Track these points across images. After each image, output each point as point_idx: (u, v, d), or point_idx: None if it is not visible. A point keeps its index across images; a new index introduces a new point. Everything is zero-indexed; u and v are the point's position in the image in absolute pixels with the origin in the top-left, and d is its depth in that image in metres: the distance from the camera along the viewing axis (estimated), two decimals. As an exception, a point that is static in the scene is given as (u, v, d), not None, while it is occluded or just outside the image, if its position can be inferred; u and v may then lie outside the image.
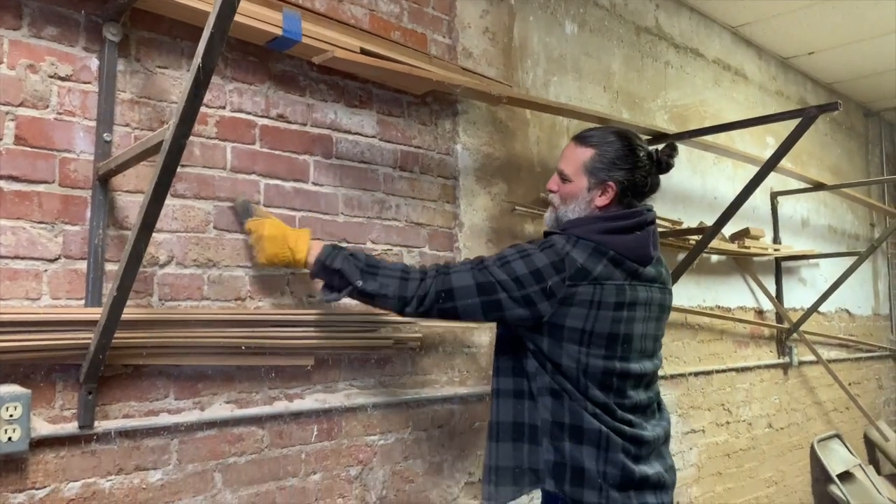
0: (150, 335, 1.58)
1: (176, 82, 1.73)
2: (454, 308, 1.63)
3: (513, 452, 1.65)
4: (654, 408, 1.73)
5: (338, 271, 1.65)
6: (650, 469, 1.62)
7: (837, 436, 4.46)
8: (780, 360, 4.03)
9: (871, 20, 3.79)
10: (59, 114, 1.54)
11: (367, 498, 2.01)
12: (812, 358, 4.15)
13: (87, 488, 1.52)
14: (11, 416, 1.38)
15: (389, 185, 2.16)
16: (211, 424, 1.72)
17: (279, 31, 1.78)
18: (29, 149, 1.50)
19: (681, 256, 3.04)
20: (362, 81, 2.10)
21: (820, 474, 4.22)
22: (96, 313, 1.46)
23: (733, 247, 3.58)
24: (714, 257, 3.58)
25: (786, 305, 4.07)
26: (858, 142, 5.25)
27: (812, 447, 4.24)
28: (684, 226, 3.26)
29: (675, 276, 2.88)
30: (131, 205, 1.63)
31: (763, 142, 4.05)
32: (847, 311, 4.83)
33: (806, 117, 2.41)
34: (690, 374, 3.32)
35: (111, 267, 1.58)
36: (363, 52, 1.98)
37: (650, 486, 1.61)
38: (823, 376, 4.34)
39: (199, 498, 1.69)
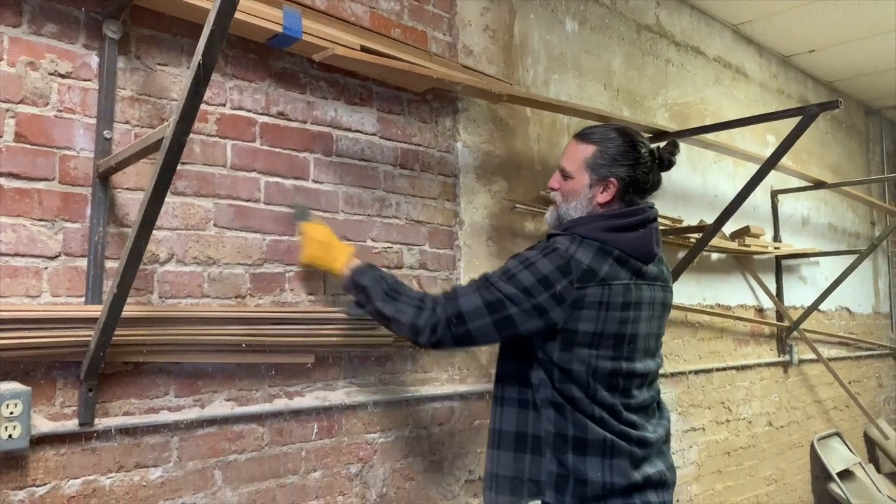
0: (150, 333, 1.58)
1: (176, 80, 1.73)
2: (468, 332, 1.60)
3: (513, 462, 1.62)
4: (654, 407, 1.72)
5: (364, 288, 1.72)
6: (652, 468, 1.62)
7: (837, 434, 4.46)
8: (781, 359, 4.03)
9: (872, 18, 3.79)
10: (60, 111, 1.54)
11: (367, 495, 2.02)
12: (812, 356, 4.15)
13: (87, 486, 1.52)
14: (12, 413, 1.38)
15: (389, 182, 2.16)
16: (211, 422, 1.72)
17: (279, 29, 1.78)
18: (29, 146, 1.50)
19: (681, 254, 3.04)
20: (362, 79, 2.10)
21: (820, 472, 4.23)
22: (96, 311, 1.46)
23: (734, 245, 3.58)
24: (714, 255, 3.58)
25: (786, 304, 4.07)
26: (859, 140, 5.24)
27: (812, 445, 4.24)
28: (684, 224, 3.26)
29: (676, 274, 2.88)
30: (131, 202, 1.63)
31: (763, 140, 4.05)
32: (847, 310, 4.83)
33: (806, 115, 2.41)
34: (690, 372, 3.32)
35: (111, 264, 1.58)
36: (363, 49, 1.98)
37: (652, 485, 1.61)
38: (823, 374, 4.34)
39: (200, 495, 1.69)
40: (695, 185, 3.49)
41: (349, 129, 2.07)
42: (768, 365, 3.93)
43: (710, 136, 2.98)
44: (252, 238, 1.83)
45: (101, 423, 1.54)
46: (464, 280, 2.34)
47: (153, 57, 1.69)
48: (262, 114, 1.88)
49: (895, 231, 4.54)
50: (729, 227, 3.52)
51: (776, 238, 4.10)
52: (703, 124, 3.23)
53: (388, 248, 2.14)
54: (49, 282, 1.51)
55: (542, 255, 1.59)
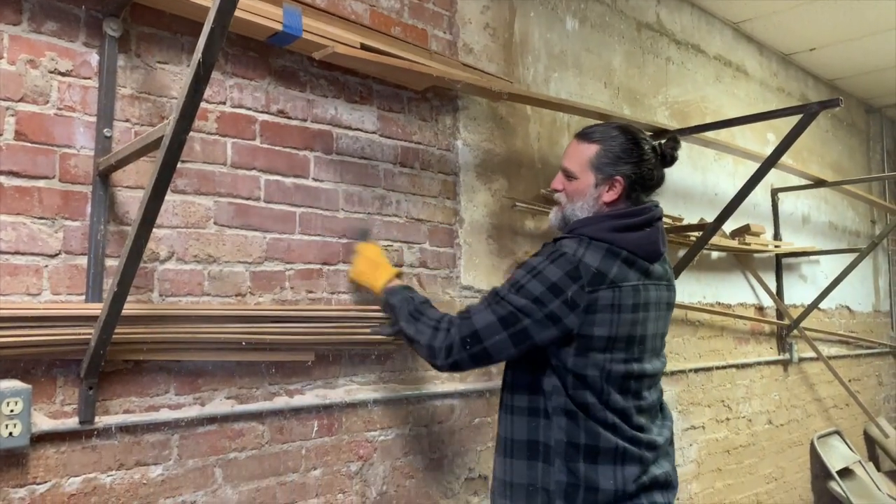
0: (150, 331, 1.58)
1: (176, 78, 1.73)
2: (484, 350, 1.58)
3: (527, 471, 1.60)
4: (657, 409, 1.71)
5: (393, 307, 1.79)
6: (659, 469, 1.61)
7: (837, 432, 4.47)
8: (781, 357, 4.03)
9: (873, 17, 3.78)
10: (60, 109, 1.54)
11: (367, 493, 2.02)
12: (812, 354, 4.15)
13: (87, 483, 1.52)
14: (12, 411, 1.38)
15: (390, 181, 2.16)
16: (211, 420, 1.72)
17: (280, 27, 1.78)
18: (29, 144, 1.49)
19: (681, 253, 3.03)
20: (363, 77, 2.10)
21: (820, 471, 4.23)
22: (97, 309, 1.46)
23: (734, 243, 3.58)
24: (714, 254, 3.58)
25: (786, 302, 4.07)
26: (859, 138, 5.24)
27: (812, 444, 4.24)
28: (685, 222, 3.26)
29: (676, 273, 2.88)
30: (132, 200, 1.63)
31: (764, 138, 4.05)
32: (847, 308, 4.83)
33: (807, 114, 2.41)
34: (690, 370, 3.32)
35: (111, 262, 1.58)
36: (364, 47, 1.98)
37: (659, 486, 1.60)
38: (823, 373, 4.34)
39: (200, 493, 1.69)
40: (695, 184, 3.49)
41: (349, 128, 2.07)
42: (768, 363, 3.93)
43: (710, 135, 2.98)
44: (252, 236, 1.83)
45: (101, 420, 1.54)
46: (463, 278, 2.34)
47: (153, 55, 1.69)
48: (262, 112, 1.88)
49: (895, 229, 4.54)
50: (729, 226, 3.53)
51: (776, 236, 4.10)
52: (703, 122, 3.22)
53: (389, 246, 2.14)
54: (49, 280, 1.51)
55: (549, 262, 1.57)
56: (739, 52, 4.00)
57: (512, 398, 1.67)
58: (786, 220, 4.21)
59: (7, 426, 1.38)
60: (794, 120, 2.47)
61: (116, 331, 1.46)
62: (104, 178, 1.57)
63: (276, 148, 1.90)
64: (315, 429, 1.92)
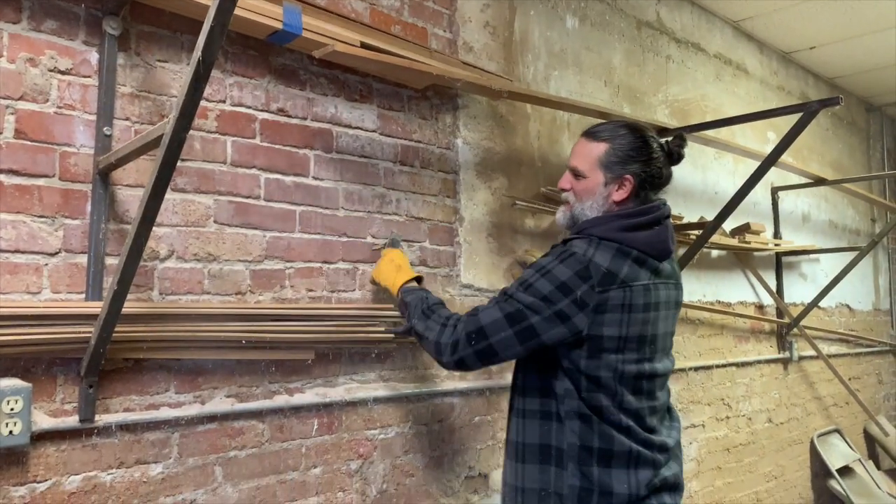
0: (150, 329, 1.58)
1: (176, 76, 1.73)
2: (489, 346, 1.57)
3: (539, 475, 1.59)
4: (665, 410, 1.70)
5: (407, 305, 1.79)
6: (668, 471, 1.61)
7: (837, 431, 4.47)
8: (781, 355, 4.03)
9: (873, 15, 3.78)
10: (59, 107, 1.54)
11: (367, 492, 2.02)
12: (812, 353, 4.16)
13: (87, 482, 1.52)
14: (12, 409, 1.38)
15: (390, 179, 2.16)
16: (211, 418, 1.72)
17: (279, 25, 1.78)
18: (29, 142, 1.49)
19: (681, 251, 3.03)
20: (363, 75, 2.10)
21: (819, 469, 4.23)
22: (97, 307, 1.46)
23: (734, 242, 3.58)
24: (714, 252, 3.58)
25: (786, 300, 4.07)
26: (860, 137, 5.24)
27: (812, 442, 4.25)
28: (685, 221, 3.26)
29: (676, 271, 2.88)
30: (131, 199, 1.63)
31: (764, 137, 4.05)
32: (847, 307, 4.83)
33: (807, 112, 2.41)
34: (690, 368, 3.32)
35: (111, 261, 1.58)
36: (363, 46, 1.98)
37: (668, 487, 1.60)
38: (823, 371, 4.34)
39: (200, 491, 1.69)
40: (695, 182, 3.49)
41: (349, 126, 2.07)
42: (768, 362, 3.93)
43: (710, 133, 2.98)
44: (252, 234, 1.83)
45: (101, 419, 1.54)
46: (463, 277, 2.34)
47: (153, 53, 1.69)
48: (262, 110, 1.88)
49: (895, 228, 4.54)
50: (729, 224, 3.53)
51: (776, 235, 4.10)
52: (703, 121, 3.22)
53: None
54: (49, 278, 1.51)
55: (558, 262, 1.56)
56: (739, 51, 4.00)
57: (523, 402, 1.65)
58: (786, 218, 4.21)
59: (7, 424, 1.38)
60: (794, 118, 2.47)
61: (116, 329, 1.46)
62: (104, 176, 1.57)
63: (276, 146, 1.90)
64: (315, 427, 1.92)
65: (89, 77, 1.59)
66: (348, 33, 1.95)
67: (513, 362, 1.71)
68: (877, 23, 3.88)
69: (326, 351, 1.95)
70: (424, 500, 2.16)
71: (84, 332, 1.47)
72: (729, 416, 3.58)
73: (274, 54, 1.91)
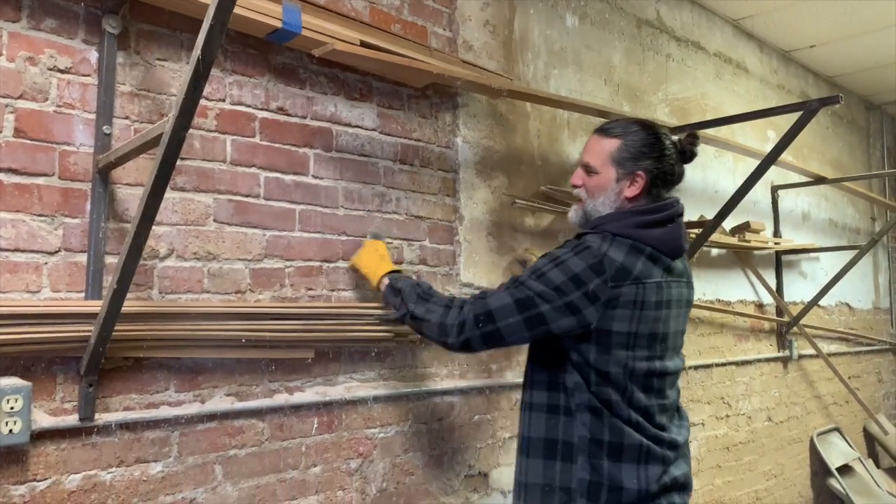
0: (150, 328, 1.58)
1: (175, 75, 1.72)
2: (496, 330, 1.57)
3: (543, 470, 1.58)
4: (674, 409, 1.69)
5: (399, 291, 1.79)
6: (678, 471, 1.61)
7: (837, 429, 4.47)
8: (780, 354, 4.03)
9: (873, 14, 3.78)
10: (59, 106, 1.54)
11: (367, 490, 2.02)
12: (812, 352, 4.16)
13: (87, 480, 1.53)
14: (12, 408, 1.38)
15: (390, 178, 2.16)
16: (211, 417, 1.72)
17: (279, 24, 1.77)
18: (28, 141, 1.49)
19: (681, 250, 3.03)
20: (362, 74, 2.10)
21: (819, 468, 4.23)
22: (96, 306, 1.46)
23: (734, 240, 3.58)
24: (714, 251, 3.58)
25: (786, 299, 4.07)
26: (860, 135, 5.24)
27: (811, 441, 4.25)
28: (685, 219, 3.25)
29: (676, 270, 2.88)
30: (131, 197, 1.63)
31: (764, 135, 4.04)
32: (847, 305, 4.83)
33: (807, 111, 2.41)
34: (690, 367, 3.32)
35: (111, 260, 1.58)
36: (363, 44, 1.97)
37: (677, 487, 1.60)
38: (823, 370, 4.34)
39: (200, 490, 1.69)
40: (695, 181, 3.49)
41: (349, 125, 2.07)
42: (768, 360, 3.93)
43: (710, 132, 2.98)
44: (252, 233, 1.83)
45: (101, 418, 1.54)
46: (463, 275, 2.34)
47: (152, 52, 1.69)
48: (261, 109, 1.88)
49: (895, 226, 4.54)
50: (729, 223, 3.53)
51: (776, 233, 4.10)
52: (703, 119, 3.22)
53: (389, 243, 2.13)
54: (49, 277, 1.51)
55: (573, 254, 1.56)
56: (740, 49, 4.00)
57: (531, 395, 1.65)
58: (786, 217, 4.21)
59: (7, 423, 1.38)
60: (794, 117, 2.47)
61: (116, 328, 1.46)
62: (104, 175, 1.57)
63: (276, 145, 1.90)
64: (315, 426, 1.92)
65: (89, 76, 1.58)
66: (348, 32, 1.95)
67: (520, 360, 1.71)
68: (877, 21, 3.87)
69: (326, 350, 1.95)
70: (424, 498, 2.16)
71: (84, 331, 1.47)
72: (729, 414, 3.59)
73: (273, 53, 1.90)
